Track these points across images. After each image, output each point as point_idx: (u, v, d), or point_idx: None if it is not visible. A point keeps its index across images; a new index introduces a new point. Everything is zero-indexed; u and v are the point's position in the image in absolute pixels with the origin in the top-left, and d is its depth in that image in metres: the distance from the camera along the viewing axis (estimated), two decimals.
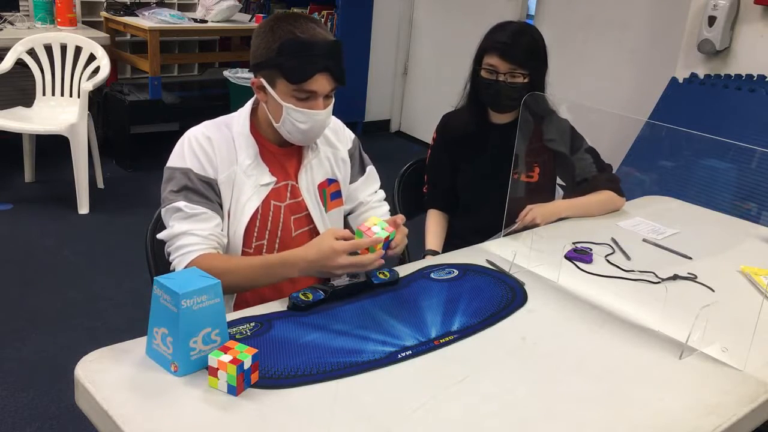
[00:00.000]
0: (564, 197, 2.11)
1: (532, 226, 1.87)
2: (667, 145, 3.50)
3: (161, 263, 1.60)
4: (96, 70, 3.80)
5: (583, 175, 2.05)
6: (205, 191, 1.52)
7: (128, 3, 4.61)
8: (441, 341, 1.33)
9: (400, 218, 1.54)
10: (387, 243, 1.48)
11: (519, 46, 1.94)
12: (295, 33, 1.46)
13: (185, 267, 1.47)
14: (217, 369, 1.12)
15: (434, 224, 2.21)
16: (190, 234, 1.49)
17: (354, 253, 1.43)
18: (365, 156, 1.81)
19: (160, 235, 1.55)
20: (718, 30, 3.34)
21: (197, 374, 1.16)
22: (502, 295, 1.54)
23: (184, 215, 1.50)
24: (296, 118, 1.52)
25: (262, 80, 1.53)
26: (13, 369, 2.43)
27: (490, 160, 2.07)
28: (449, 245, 2.17)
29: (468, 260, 1.70)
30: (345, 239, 1.43)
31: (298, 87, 1.49)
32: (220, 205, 1.56)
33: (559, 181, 2.21)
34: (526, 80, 1.96)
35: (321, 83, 1.50)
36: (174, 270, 1.51)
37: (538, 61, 1.99)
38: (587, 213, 2.02)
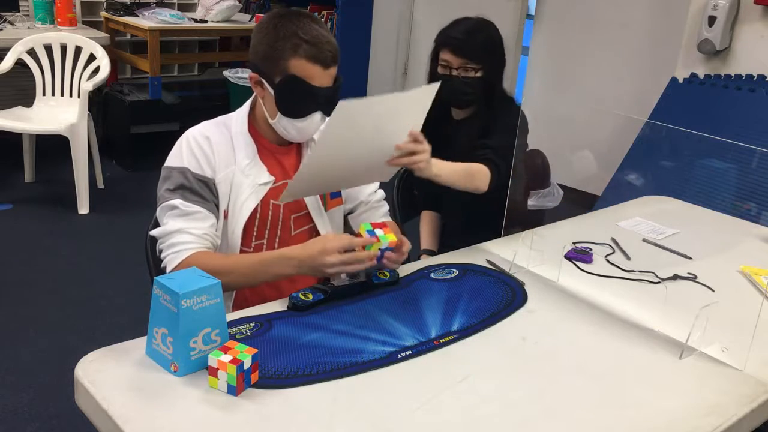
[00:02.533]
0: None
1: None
2: (667, 145, 3.51)
3: (161, 263, 1.60)
4: (96, 70, 3.80)
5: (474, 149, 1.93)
6: (202, 191, 1.52)
7: (128, 3, 4.61)
8: (441, 341, 1.33)
9: (407, 246, 1.54)
10: (382, 252, 1.47)
11: (471, 41, 1.94)
12: (297, 33, 1.47)
13: (177, 265, 1.47)
14: (217, 369, 1.12)
15: (427, 224, 2.21)
16: (184, 232, 1.49)
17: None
18: None
19: (153, 232, 1.54)
20: (718, 30, 3.34)
21: (197, 374, 1.16)
22: (502, 295, 1.54)
23: (179, 213, 1.50)
24: None
25: (260, 77, 1.54)
26: (13, 369, 2.43)
27: (457, 157, 2.05)
28: (443, 246, 2.17)
29: (468, 260, 1.70)
30: (341, 246, 1.43)
31: None
32: (216, 206, 1.56)
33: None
34: (479, 74, 1.95)
35: (312, 117, 1.54)
36: (165, 267, 1.50)
37: (492, 55, 1.98)
38: (455, 178, 1.79)
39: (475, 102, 1.99)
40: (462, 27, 1.97)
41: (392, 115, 1.49)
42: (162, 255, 1.52)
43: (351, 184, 1.68)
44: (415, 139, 1.52)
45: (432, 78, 2.02)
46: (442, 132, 2.07)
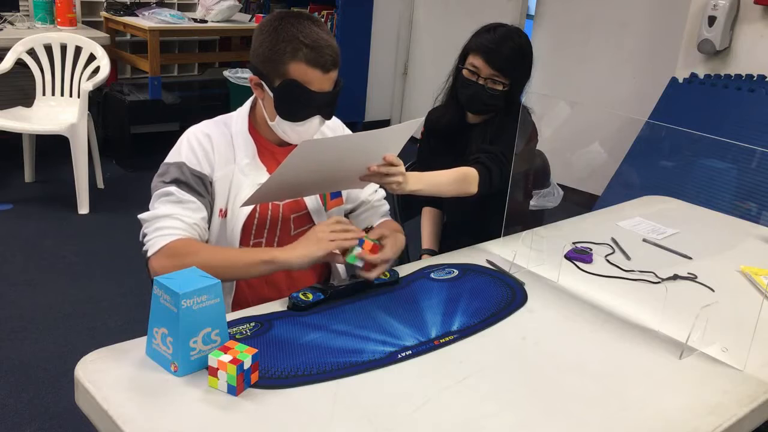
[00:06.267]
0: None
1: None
2: (667, 145, 3.51)
3: (143, 247, 1.57)
4: (96, 70, 3.80)
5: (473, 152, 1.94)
6: (197, 186, 1.52)
7: (128, 3, 4.61)
8: (441, 341, 1.33)
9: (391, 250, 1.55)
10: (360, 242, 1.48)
11: (504, 52, 1.90)
12: (298, 37, 1.46)
13: (161, 248, 1.44)
14: (217, 369, 1.12)
15: (428, 222, 2.21)
16: (175, 218, 1.47)
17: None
18: None
19: (141, 215, 1.51)
20: (718, 30, 3.34)
21: (197, 374, 1.16)
22: (502, 295, 1.54)
23: (174, 199, 1.49)
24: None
25: (260, 79, 1.53)
26: (13, 369, 2.43)
27: (464, 160, 2.05)
28: (444, 246, 2.17)
29: (468, 260, 1.70)
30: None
31: None
32: (210, 203, 1.55)
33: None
34: (505, 89, 1.93)
35: (310, 121, 1.54)
36: (146, 251, 1.48)
37: (521, 70, 1.95)
38: (439, 189, 1.78)
39: (490, 112, 1.99)
40: (497, 35, 1.91)
41: (366, 150, 1.51)
42: (146, 239, 1.49)
43: (321, 191, 1.68)
44: (390, 163, 1.53)
45: (456, 78, 2.01)
46: (454, 134, 2.07)
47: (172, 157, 1.55)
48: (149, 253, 1.47)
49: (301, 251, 1.44)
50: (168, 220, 1.47)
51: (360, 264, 1.48)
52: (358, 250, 1.46)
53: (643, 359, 1.35)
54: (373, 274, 1.50)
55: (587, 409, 1.18)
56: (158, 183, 1.52)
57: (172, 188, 1.49)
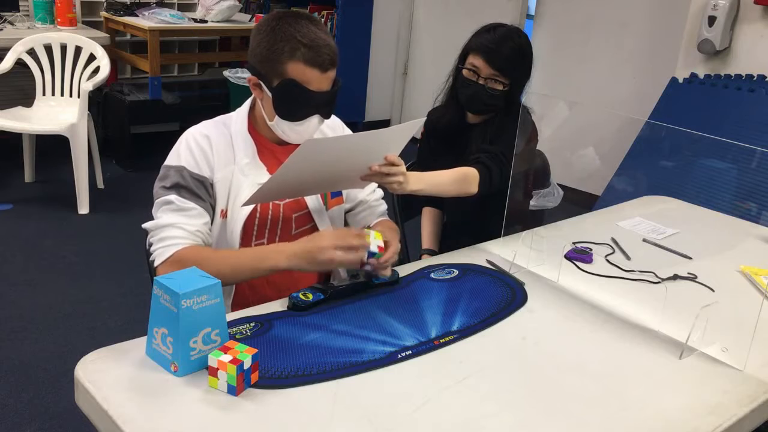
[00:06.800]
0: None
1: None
2: (667, 145, 3.51)
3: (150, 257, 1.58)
4: (96, 70, 3.80)
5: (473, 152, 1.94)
6: (197, 190, 1.52)
7: (128, 3, 4.61)
8: (441, 341, 1.33)
9: (393, 248, 1.52)
10: (371, 254, 1.46)
11: (504, 52, 1.90)
12: (295, 37, 1.46)
13: (166, 260, 1.46)
14: (217, 369, 1.12)
15: (429, 222, 2.21)
16: (177, 227, 1.48)
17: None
18: None
19: (145, 225, 1.53)
20: (718, 30, 3.34)
21: (197, 374, 1.16)
22: (502, 295, 1.54)
23: (174, 207, 1.50)
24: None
25: (258, 79, 1.53)
26: (13, 369, 2.43)
27: (464, 160, 2.05)
28: (444, 246, 2.17)
29: (468, 260, 1.70)
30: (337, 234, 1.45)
31: None
32: (212, 206, 1.56)
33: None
34: (505, 88, 1.93)
35: (309, 121, 1.54)
36: (153, 262, 1.50)
37: (521, 69, 1.96)
38: (439, 189, 1.78)
39: (490, 112, 1.99)
40: (496, 35, 1.92)
41: (367, 149, 1.51)
42: (152, 248, 1.51)
43: (323, 191, 1.68)
44: (391, 163, 1.53)
45: (456, 79, 2.01)
46: (454, 134, 2.07)
47: (171, 159, 1.55)
48: (156, 263, 1.49)
49: (302, 258, 1.43)
50: (170, 229, 1.48)
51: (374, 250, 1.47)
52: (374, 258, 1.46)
53: (643, 359, 1.35)
54: (387, 272, 1.51)
55: (587, 409, 1.18)
56: (159, 189, 1.53)
57: (172, 196, 1.50)
